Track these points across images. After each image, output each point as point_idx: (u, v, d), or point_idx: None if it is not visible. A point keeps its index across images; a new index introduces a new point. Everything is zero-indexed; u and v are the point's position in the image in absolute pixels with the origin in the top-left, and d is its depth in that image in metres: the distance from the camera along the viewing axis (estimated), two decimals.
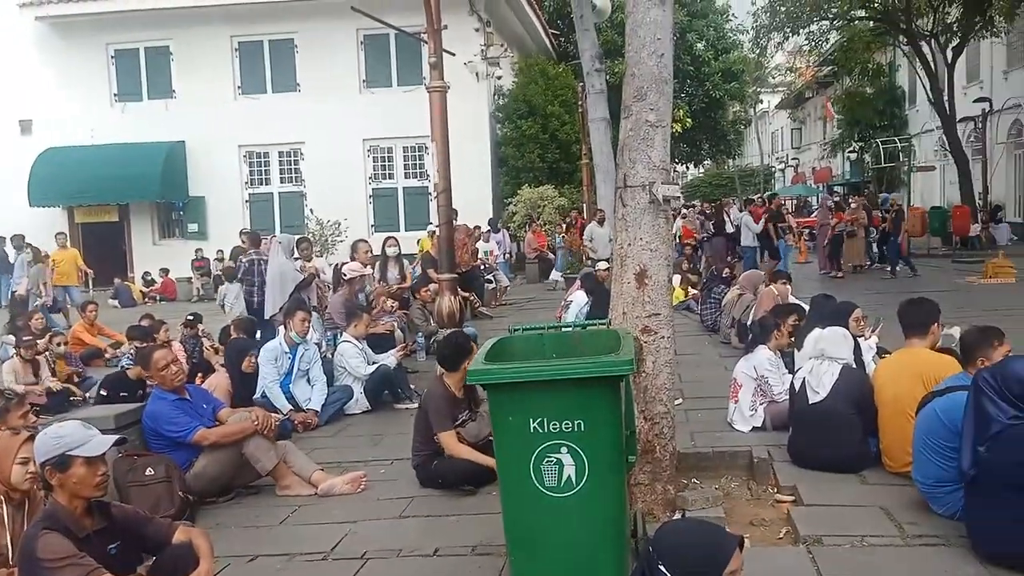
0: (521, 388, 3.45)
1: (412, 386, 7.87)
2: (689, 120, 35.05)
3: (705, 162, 52.09)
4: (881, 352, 6.55)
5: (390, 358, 7.83)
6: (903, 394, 4.78)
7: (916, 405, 4.50)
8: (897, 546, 3.97)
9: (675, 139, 36.09)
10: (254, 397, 7.07)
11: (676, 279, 13.37)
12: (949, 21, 24.43)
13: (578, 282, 10.75)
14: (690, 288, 13.07)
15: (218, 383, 6.89)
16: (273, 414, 5.98)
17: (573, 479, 3.46)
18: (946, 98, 25.49)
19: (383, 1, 18.02)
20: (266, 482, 5.48)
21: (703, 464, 5.27)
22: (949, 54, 25.67)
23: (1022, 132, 25.22)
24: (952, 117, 25.54)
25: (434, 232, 16.16)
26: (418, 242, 16.85)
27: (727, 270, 11.60)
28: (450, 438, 5.27)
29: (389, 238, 11.75)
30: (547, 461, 3.47)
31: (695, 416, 6.39)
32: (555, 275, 17.77)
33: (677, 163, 48.12)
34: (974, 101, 25.17)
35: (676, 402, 6.50)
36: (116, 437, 3.60)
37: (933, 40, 25.74)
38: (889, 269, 16.75)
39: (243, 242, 12.65)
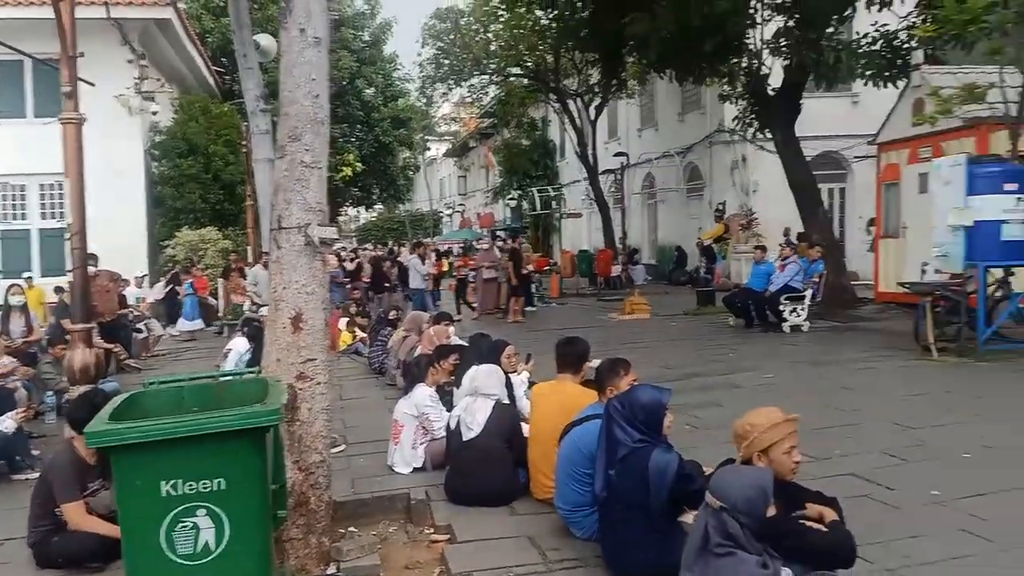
0: (150, 448, 3.12)
1: (36, 452, 6.92)
2: (359, 164, 35.38)
3: (377, 206, 52.95)
4: (533, 387, 6.93)
5: (7, 422, 6.81)
6: (549, 425, 5.03)
7: (559, 435, 4.76)
8: (540, 572, 4.14)
9: (346, 183, 36.31)
10: None
11: (344, 322, 13.28)
12: (591, 82, 27.15)
13: (239, 328, 10.24)
14: (358, 331, 13.00)
15: None
16: None
17: (211, 543, 3.19)
18: (590, 152, 28.30)
19: (20, 25, 16.31)
20: None
21: (361, 511, 5.16)
22: (592, 112, 28.57)
23: (653, 184, 28.64)
24: (595, 169, 28.39)
25: (30, 278, 14.38)
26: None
27: (394, 312, 11.70)
28: (76, 510, 4.65)
29: (13, 286, 10.37)
30: (181, 526, 3.17)
31: (357, 462, 6.28)
32: (184, 324, 16.49)
33: (349, 206, 48.32)
34: (614, 155, 28.22)
35: (337, 448, 6.39)
36: None
37: (579, 99, 28.54)
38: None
39: None
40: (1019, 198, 9.89)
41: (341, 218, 53.67)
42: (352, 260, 18.69)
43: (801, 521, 3.36)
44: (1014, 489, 5.09)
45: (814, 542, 3.24)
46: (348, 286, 16.49)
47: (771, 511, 3.14)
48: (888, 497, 5.03)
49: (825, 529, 3.34)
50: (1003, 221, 9.81)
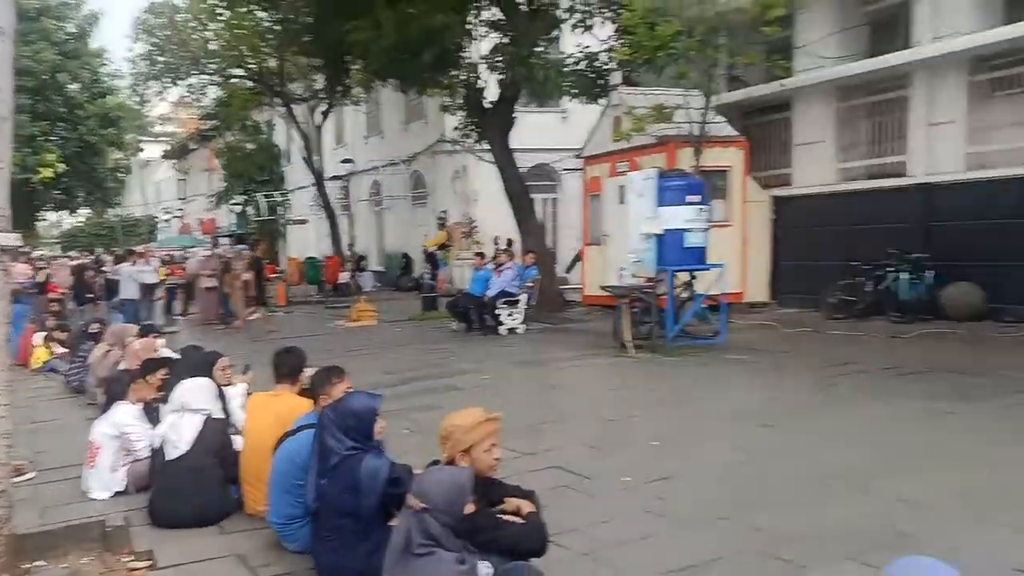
0: None
1: None
2: (62, 165, 32.46)
3: (82, 210, 48.70)
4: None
5: None
6: (264, 438, 4.91)
7: (274, 447, 4.67)
8: None
9: (46, 185, 33.05)
10: None
11: (40, 337, 12.11)
12: (317, 88, 26.75)
13: None
14: (57, 346, 11.87)
15: None
16: None
17: None
18: (316, 157, 27.90)
19: None
20: None
21: (50, 543, 4.70)
22: (319, 117, 28.18)
23: (380, 191, 28.79)
24: (322, 175, 28.05)
25: None
26: None
27: (96, 325, 10.79)
28: None
29: None
30: None
31: (49, 489, 5.76)
32: None
33: (50, 210, 44.12)
34: (341, 162, 28.05)
35: (24, 477, 5.83)
36: None
37: (305, 104, 28.01)
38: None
39: None
40: (700, 209, 11.14)
41: (41, 223, 48.76)
42: (42, 270, 16.93)
43: (498, 516, 3.55)
44: (692, 472, 5.73)
45: (507, 534, 3.43)
46: (45, 297, 15.00)
47: (470, 508, 3.31)
48: (586, 486, 5.45)
49: (522, 521, 3.57)
50: (687, 230, 10.99)
